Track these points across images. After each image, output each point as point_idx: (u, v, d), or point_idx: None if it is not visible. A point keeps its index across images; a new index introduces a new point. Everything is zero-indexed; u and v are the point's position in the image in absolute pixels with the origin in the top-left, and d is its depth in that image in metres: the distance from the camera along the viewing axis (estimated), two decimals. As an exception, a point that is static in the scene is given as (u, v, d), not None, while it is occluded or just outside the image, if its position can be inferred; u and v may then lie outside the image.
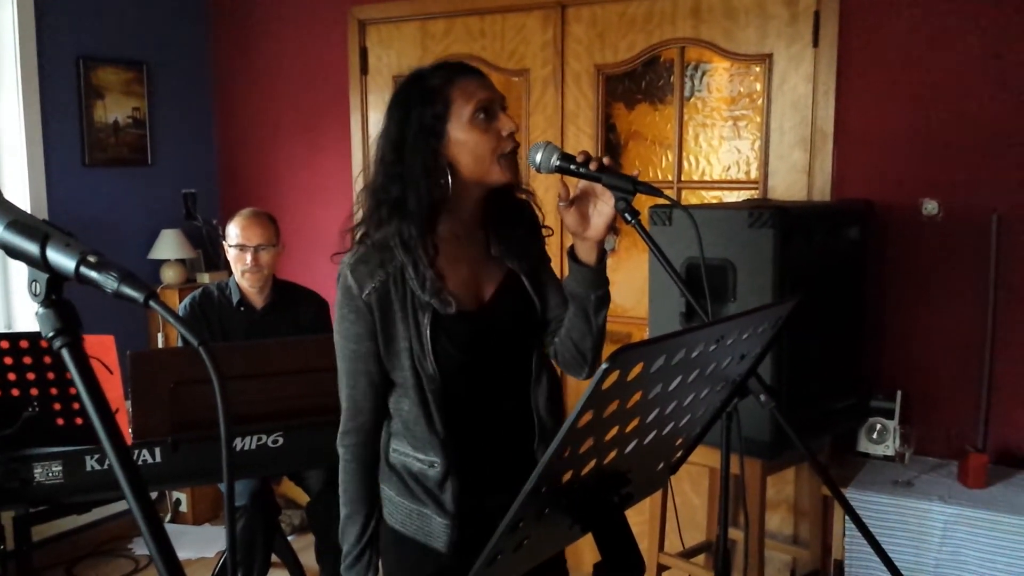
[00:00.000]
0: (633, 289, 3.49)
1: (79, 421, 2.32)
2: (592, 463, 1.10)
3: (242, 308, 3.09)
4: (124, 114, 4.19)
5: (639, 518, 2.88)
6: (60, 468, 2.33)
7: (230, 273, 3.15)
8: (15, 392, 2.28)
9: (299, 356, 2.46)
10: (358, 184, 1.69)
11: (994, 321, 2.86)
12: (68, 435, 2.33)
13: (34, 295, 0.84)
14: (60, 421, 2.32)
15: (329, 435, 1.71)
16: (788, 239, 2.53)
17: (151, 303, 0.83)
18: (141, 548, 3.97)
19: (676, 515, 2.75)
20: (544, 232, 1.76)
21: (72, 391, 2.28)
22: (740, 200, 3.17)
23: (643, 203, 1.94)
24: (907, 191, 2.96)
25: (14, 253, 0.85)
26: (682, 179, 3.43)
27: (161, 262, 4.25)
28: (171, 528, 4.15)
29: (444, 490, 1.59)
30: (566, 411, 1.76)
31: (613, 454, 1.12)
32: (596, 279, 1.61)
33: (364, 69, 4.09)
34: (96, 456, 2.35)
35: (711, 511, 3.24)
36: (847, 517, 2.24)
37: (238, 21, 4.46)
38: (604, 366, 0.92)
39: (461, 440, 1.61)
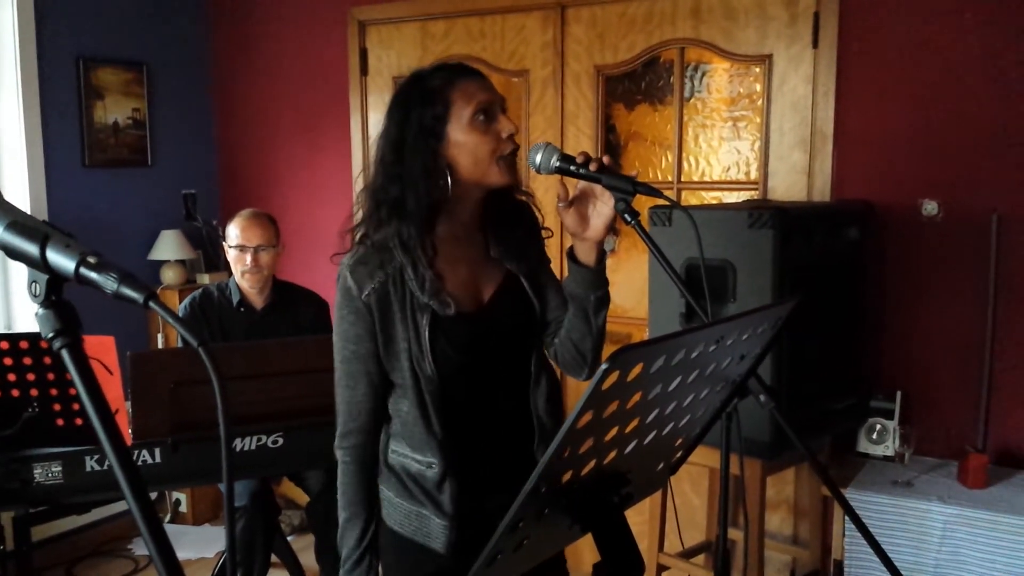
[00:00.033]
0: (633, 290, 3.49)
1: (79, 422, 2.32)
2: (592, 463, 1.10)
3: (242, 309, 3.09)
4: (124, 115, 4.19)
5: (639, 518, 2.88)
6: (60, 468, 2.33)
7: (230, 274, 3.15)
8: (15, 393, 2.28)
9: (299, 356, 2.46)
10: (358, 185, 1.69)
11: (994, 321, 2.86)
12: (68, 436, 2.33)
13: (34, 296, 0.84)
14: (60, 422, 2.32)
15: (329, 436, 1.70)
16: (788, 240, 2.53)
17: (151, 304, 0.83)
18: (141, 548, 3.97)
19: (676, 515, 2.75)
20: (544, 234, 1.76)
21: (72, 392, 2.28)
22: (740, 201, 3.17)
23: (643, 204, 1.94)
24: (907, 191, 2.96)
25: (14, 254, 0.85)
26: (682, 180, 3.44)
27: (161, 263, 4.25)
28: (171, 528, 4.15)
29: (442, 491, 1.59)
30: (565, 412, 1.76)
31: (613, 454, 1.12)
32: (596, 280, 1.61)
33: (364, 70, 4.09)
34: (96, 456, 2.35)
35: (711, 511, 3.24)
36: (847, 517, 2.24)
37: (238, 22, 4.46)
38: (604, 366, 0.92)
39: (459, 441, 1.61)
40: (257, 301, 3.12)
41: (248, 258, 3.02)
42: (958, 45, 2.86)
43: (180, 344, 3.39)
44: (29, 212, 0.94)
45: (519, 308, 1.68)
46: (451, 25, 3.84)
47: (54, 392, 2.30)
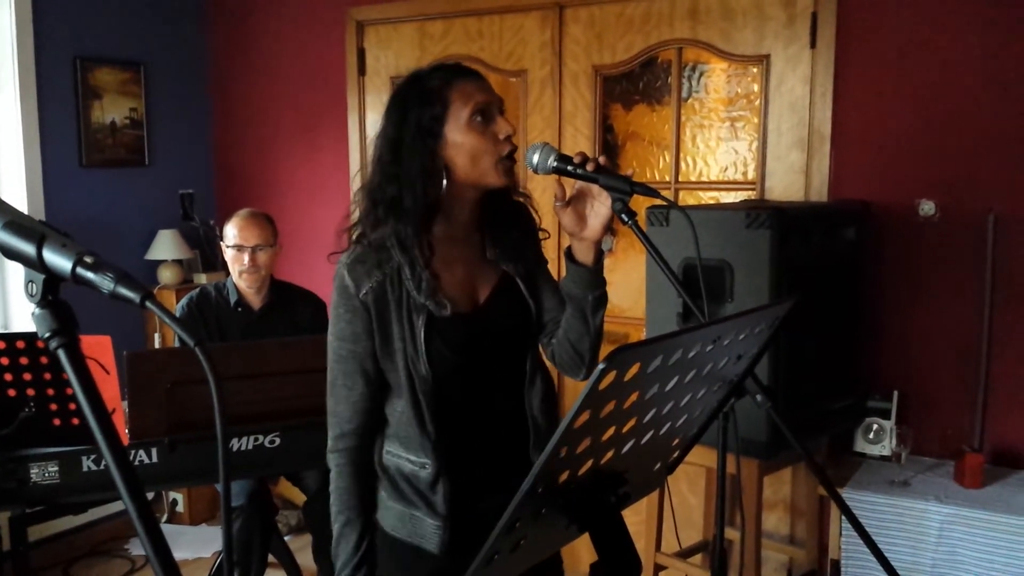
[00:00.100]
0: (630, 290, 3.49)
1: (75, 421, 2.32)
2: (589, 463, 1.10)
3: (240, 309, 3.09)
4: (121, 115, 4.18)
5: (636, 518, 2.88)
6: (56, 468, 2.33)
7: (227, 274, 3.15)
8: (11, 392, 2.28)
9: (296, 356, 2.46)
10: (355, 184, 1.69)
11: (991, 321, 2.86)
12: (64, 435, 2.32)
13: (30, 296, 0.84)
14: (57, 421, 2.32)
15: (326, 436, 1.70)
16: (785, 240, 2.53)
17: (147, 304, 0.83)
18: (137, 548, 3.96)
19: (673, 515, 2.74)
20: (541, 235, 1.76)
21: (69, 391, 2.28)
22: (737, 201, 3.17)
23: (640, 204, 1.95)
24: (904, 192, 2.97)
25: (10, 254, 0.85)
26: (679, 180, 3.44)
27: (158, 263, 4.25)
28: (167, 528, 4.15)
29: (435, 492, 1.59)
30: (560, 413, 1.76)
31: (610, 454, 1.12)
32: (593, 280, 1.61)
33: (362, 70, 4.09)
34: (92, 456, 2.35)
35: (708, 511, 3.24)
36: (844, 517, 2.24)
37: (236, 22, 4.45)
38: (601, 366, 0.92)
39: (453, 441, 1.61)
40: (255, 301, 3.11)
41: (246, 258, 3.02)
42: (955, 46, 2.87)
43: (177, 344, 3.39)
44: (26, 212, 0.94)
45: (515, 309, 1.68)
46: (449, 25, 3.84)
47: (51, 392, 2.30)
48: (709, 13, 3.27)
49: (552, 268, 1.84)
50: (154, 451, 2.39)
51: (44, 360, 2.27)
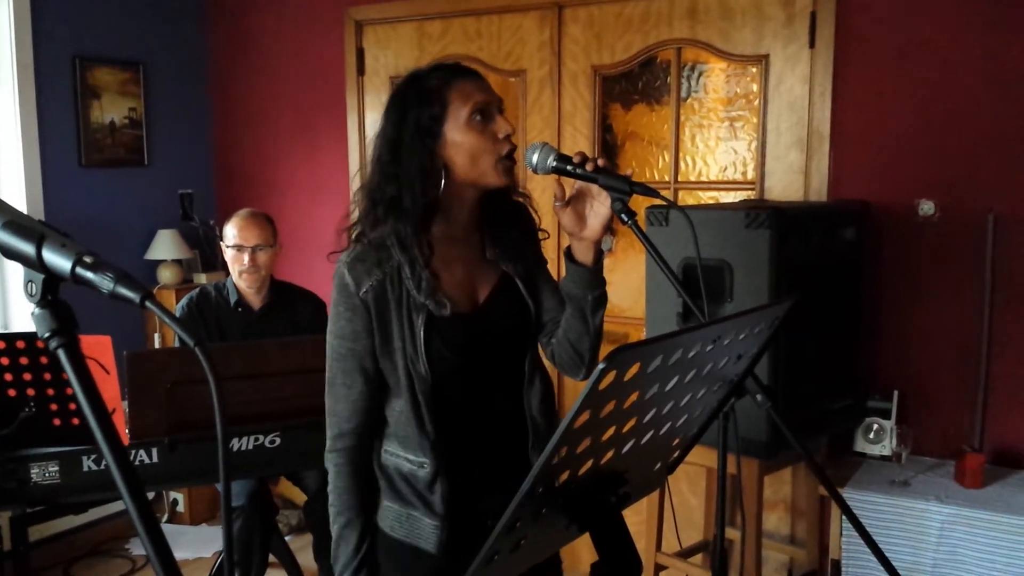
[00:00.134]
0: (630, 289, 3.49)
1: (76, 421, 2.32)
2: (589, 463, 1.10)
3: (240, 309, 3.08)
4: (120, 114, 4.18)
5: (636, 518, 2.88)
6: (57, 468, 2.33)
7: (227, 273, 3.15)
8: (12, 392, 2.28)
9: (296, 356, 2.46)
10: (354, 184, 1.69)
11: (991, 321, 2.86)
12: (65, 435, 2.32)
13: (30, 295, 0.84)
14: (57, 421, 2.32)
15: (325, 436, 1.70)
16: (784, 240, 2.53)
17: (147, 303, 0.83)
18: (138, 548, 3.97)
19: (673, 515, 2.74)
20: (540, 235, 1.76)
21: (69, 391, 2.28)
22: (737, 201, 3.17)
23: (640, 204, 1.95)
24: (903, 191, 2.97)
25: (10, 254, 0.85)
26: (679, 180, 3.44)
27: (158, 262, 4.24)
28: (168, 528, 4.15)
29: (433, 491, 1.59)
30: (559, 413, 1.76)
31: (610, 454, 1.12)
32: (593, 279, 1.61)
33: (361, 70, 4.09)
34: (93, 456, 2.35)
35: (708, 511, 3.24)
36: (844, 517, 2.24)
37: (235, 21, 4.45)
38: (601, 366, 0.92)
39: (452, 441, 1.60)
40: (255, 301, 3.11)
41: (246, 258, 3.02)
42: (955, 45, 2.87)
43: (177, 344, 3.39)
44: (25, 212, 0.94)
45: (514, 309, 1.68)
46: (448, 25, 3.84)
47: (51, 392, 2.30)
48: (708, 13, 3.27)
49: (552, 268, 1.83)
50: (154, 451, 2.39)
51: (44, 360, 2.27)
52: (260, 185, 4.49)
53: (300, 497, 3.52)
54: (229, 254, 3.06)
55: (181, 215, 4.45)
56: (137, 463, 2.35)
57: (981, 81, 2.84)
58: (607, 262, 3.39)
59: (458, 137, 1.54)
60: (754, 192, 3.27)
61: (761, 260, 2.51)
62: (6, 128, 3.79)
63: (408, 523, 1.62)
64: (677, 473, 1.53)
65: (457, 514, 1.60)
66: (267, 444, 2.49)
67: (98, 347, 2.20)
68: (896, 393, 2.89)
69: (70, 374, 0.83)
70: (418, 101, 1.55)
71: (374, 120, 3.98)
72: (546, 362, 1.75)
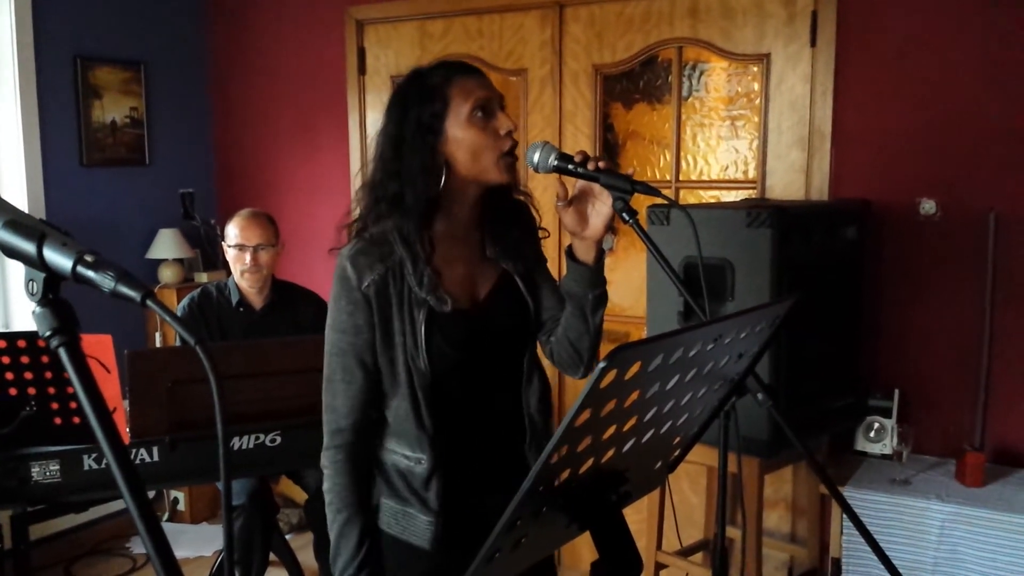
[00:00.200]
0: (631, 288, 3.49)
1: (76, 420, 2.32)
2: (590, 462, 1.10)
3: (241, 308, 3.09)
4: (122, 114, 4.18)
5: (637, 516, 2.88)
6: (58, 467, 2.33)
7: (228, 273, 3.15)
8: (13, 391, 2.28)
9: (297, 355, 2.46)
10: (356, 183, 1.69)
11: (992, 320, 2.86)
12: (66, 434, 2.32)
13: (31, 294, 0.84)
14: (58, 420, 2.32)
15: (325, 434, 1.69)
16: (786, 239, 2.53)
17: (148, 302, 0.83)
18: (139, 547, 3.97)
19: (674, 513, 2.75)
20: (541, 234, 1.77)
21: (70, 390, 2.28)
22: (738, 200, 3.17)
23: (641, 203, 1.95)
24: (905, 190, 2.97)
25: (11, 252, 0.85)
26: (680, 179, 3.44)
27: (159, 262, 4.25)
28: (169, 527, 4.15)
29: (429, 488, 1.59)
30: (558, 412, 1.76)
31: (611, 453, 1.12)
32: (594, 278, 1.61)
33: (362, 69, 4.09)
34: (94, 455, 2.35)
35: (709, 510, 3.24)
36: (845, 516, 2.24)
37: (236, 21, 4.45)
38: (602, 365, 0.92)
39: (449, 438, 1.60)
40: (256, 301, 3.11)
41: (247, 257, 3.02)
42: (956, 44, 2.87)
43: (178, 343, 3.39)
44: (27, 211, 0.94)
45: (514, 307, 1.68)
46: (449, 24, 3.84)
47: (52, 391, 2.30)
48: (709, 12, 3.27)
49: (553, 267, 1.84)
50: (155, 450, 2.39)
51: (45, 359, 2.27)
52: (261, 184, 4.49)
53: (301, 496, 3.53)
54: (231, 254, 3.06)
55: (182, 214, 4.45)
56: (138, 462, 2.36)
57: (982, 80, 2.83)
58: (608, 261, 3.39)
59: (459, 134, 1.55)
60: (755, 191, 3.27)
61: (762, 259, 2.51)
62: (7, 127, 3.80)
63: (404, 520, 1.62)
64: (678, 472, 1.53)
65: (452, 510, 1.60)
66: (268, 443, 2.49)
67: (99, 346, 2.20)
68: (897, 392, 2.89)
69: (71, 373, 0.83)
70: (420, 98, 1.56)
71: (375, 120, 3.98)
72: (544, 361, 1.75)
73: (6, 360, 2.26)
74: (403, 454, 1.61)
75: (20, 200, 3.76)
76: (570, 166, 1.53)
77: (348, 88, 4.13)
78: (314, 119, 4.29)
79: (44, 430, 2.31)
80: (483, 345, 1.63)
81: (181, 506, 4.30)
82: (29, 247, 0.83)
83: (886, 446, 2.89)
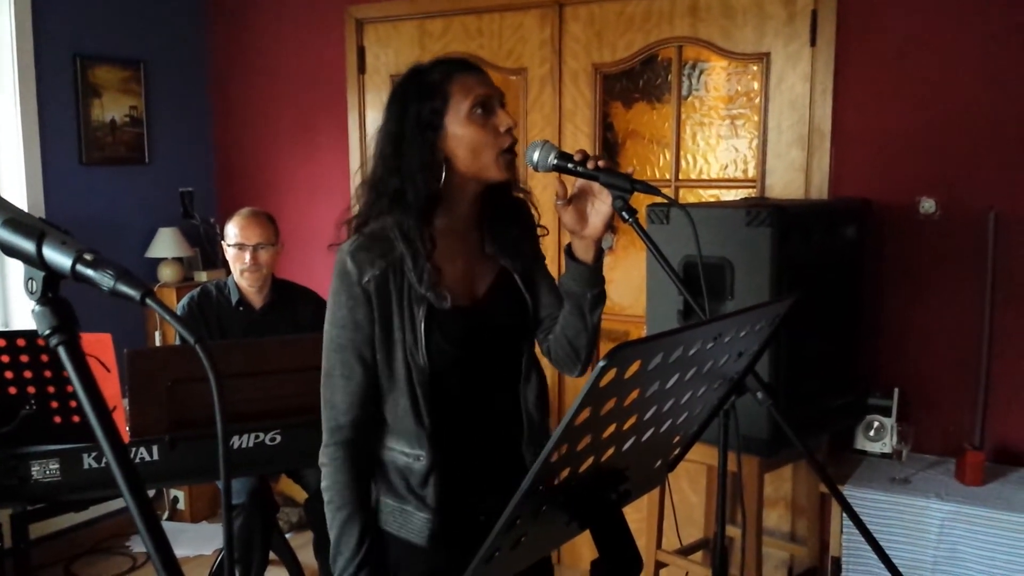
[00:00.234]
0: (631, 287, 3.49)
1: (76, 419, 2.32)
2: (590, 460, 1.10)
3: (241, 308, 3.08)
4: (121, 112, 4.18)
5: (637, 515, 2.88)
6: (57, 466, 2.33)
7: (228, 272, 3.15)
8: (12, 390, 2.28)
9: (297, 354, 2.46)
10: (356, 180, 1.69)
11: (991, 319, 2.86)
12: (65, 433, 2.32)
13: (30, 293, 0.84)
14: (57, 419, 2.32)
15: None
16: (786, 238, 2.53)
17: (148, 301, 0.83)
18: (139, 546, 3.97)
19: (674, 512, 2.75)
20: (539, 231, 1.77)
21: (69, 389, 2.28)
22: (737, 199, 3.17)
23: (641, 202, 1.94)
24: (904, 190, 2.97)
25: (10, 251, 0.85)
26: (680, 178, 3.44)
27: (158, 260, 4.25)
28: (169, 526, 4.15)
29: (427, 484, 1.59)
30: (558, 411, 1.76)
31: (611, 451, 1.12)
32: (593, 277, 1.61)
33: (362, 68, 4.09)
34: (93, 454, 2.35)
35: (709, 508, 3.24)
36: (845, 514, 2.25)
37: (235, 20, 4.45)
38: (602, 363, 0.92)
39: (448, 435, 1.60)
40: (256, 300, 3.11)
41: (247, 256, 3.02)
42: (956, 43, 2.87)
43: (178, 342, 3.39)
44: (26, 210, 0.94)
45: (513, 305, 1.68)
46: (449, 23, 3.84)
47: (51, 389, 2.30)
48: (709, 11, 3.27)
49: (552, 265, 1.84)
50: (155, 449, 2.39)
51: (45, 358, 2.27)
52: (261, 183, 4.49)
53: (301, 495, 3.53)
54: (230, 253, 3.06)
55: (182, 213, 4.45)
56: (138, 461, 2.36)
57: (982, 79, 2.83)
58: (608, 260, 3.39)
59: (459, 131, 1.55)
60: (755, 190, 3.27)
61: (762, 258, 2.51)
62: (7, 126, 3.79)
63: (401, 517, 1.62)
64: (678, 470, 1.53)
65: (449, 507, 1.60)
66: (267, 442, 2.49)
67: (99, 345, 2.20)
68: (897, 391, 2.89)
69: (71, 372, 0.83)
70: (419, 95, 1.56)
71: (375, 119, 3.98)
72: (541, 359, 1.75)
73: (5, 359, 2.25)
74: (401, 451, 1.61)
75: (19, 199, 3.75)
76: (569, 165, 1.53)
77: (348, 87, 4.13)
78: (314, 118, 4.28)
79: (44, 429, 2.31)
80: (482, 342, 1.63)
81: (181, 505, 4.30)
82: (28, 246, 0.83)
83: (886, 445, 2.89)
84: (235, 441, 2.45)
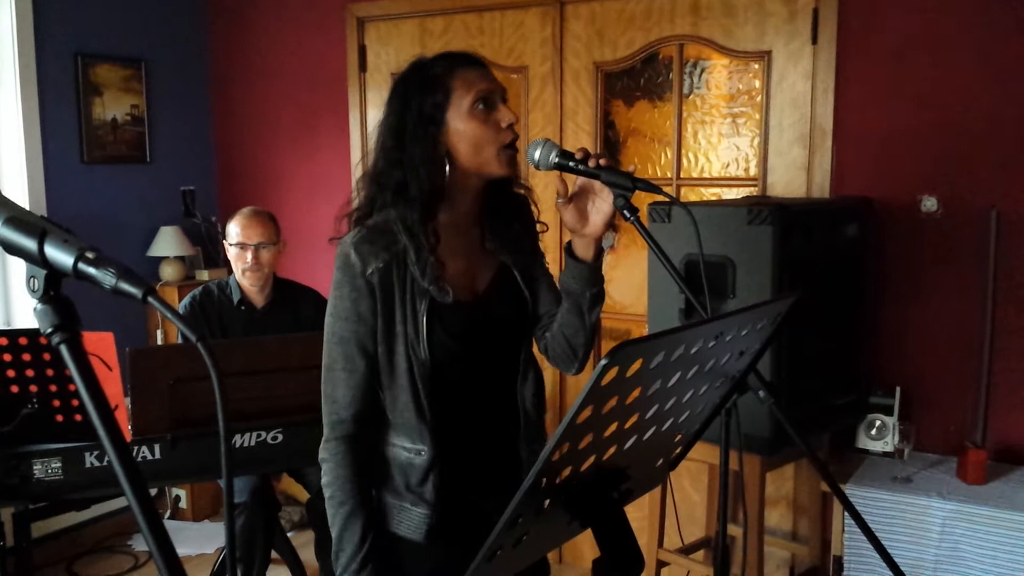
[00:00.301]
0: (632, 286, 3.49)
1: (78, 418, 2.32)
2: (592, 459, 1.10)
3: (242, 307, 3.09)
4: (123, 111, 4.18)
5: (638, 514, 2.88)
6: (59, 465, 2.33)
7: (229, 271, 3.15)
8: (14, 389, 2.28)
9: (299, 353, 2.46)
10: (357, 173, 1.69)
11: (993, 317, 2.86)
12: (67, 432, 2.33)
13: (32, 291, 0.84)
14: (59, 418, 2.32)
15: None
16: (787, 236, 2.52)
17: (149, 299, 0.83)
18: (141, 544, 3.97)
19: (675, 511, 2.75)
20: (539, 228, 1.77)
21: (71, 388, 2.28)
22: (739, 197, 3.17)
23: (642, 200, 1.94)
24: (906, 188, 2.96)
25: (12, 249, 0.85)
26: (681, 176, 3.43)
27: (160, 259, 4.25)
28: (171, 524, 4.16)
29: (427, 480, 1.59)
30: (559, 410, 1.76)
31: (612, 450, 1.12)
32: (592, 276, 1.61)
33: (363, 67, 4.09)
34: (95, 452, 2.35)
35: (710, 507, 3.24)
36: (846, 513, 2.25)
37: (236, 18, 4.45)
38: (604, 362, 0.92)
39: (448, 430, 1.60)
40: (258, 299, 3.11)
41: (249, 256, 3.02)
42: (957, 41, 2.86)
43: (180, 340, 3.39)
44: (28, 208, 0.94)
45: (512, 301, 1.68)
46: (449, 21, 3.84)
47: (53, 388, 2.30)
48: (710, 9, 3.27)
49: (553, 264, 1.83)
50: (157, 447, 2.39)
51: (47, 356, 2.27)
52: (262, 182, 4.49)
53: (302, 494, 3.53)
54: (232, 252, 3.06)
55: (183, 212, 4.45)
56: (139, 459, 2.36)
57: (983, 78, 2.83)
58: (610, 258, 3.39)
59: (460, 125, 1.55)
60: (756, 188, 3.27)
61: (763, 256, 2.51)
62: (8, 125, 3.79)
63: (399, 514, 1.62)
64: (679, 469, 1.53)
65: (447, 503, 1.60)
66: (269, 440, 2.49)
67: (101, 344, 2.20)
68: (898, 389, 2.89)
69: (72, 370, 0.83)
70: (421, 88, 1.56)
71: (376, 117, 3.96)
72: (538, 356, 1.75)
73: (7, 357, 2.26)
74: (402, 446, 1.60)
75: (21, 197, 3.75)
76: (571, 163, 1.53)
77: (349, 85, 4.13)
78: (315, 116, 4.28)
79: (46, 427, 2.32)
80: (482, 337, 1.63)
81: (183, 504, 4.30)
82: (30, 244, 0.83)
83: (887, 443, 2.89)
84: (237, 440, 2.45)
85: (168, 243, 4.23)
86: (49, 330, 0.83)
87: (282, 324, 3.05)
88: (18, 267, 3.79)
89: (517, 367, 1.69)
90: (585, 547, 3.59)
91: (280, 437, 2.50)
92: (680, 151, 3.42)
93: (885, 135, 3.00)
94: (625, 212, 1.49)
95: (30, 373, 2.28)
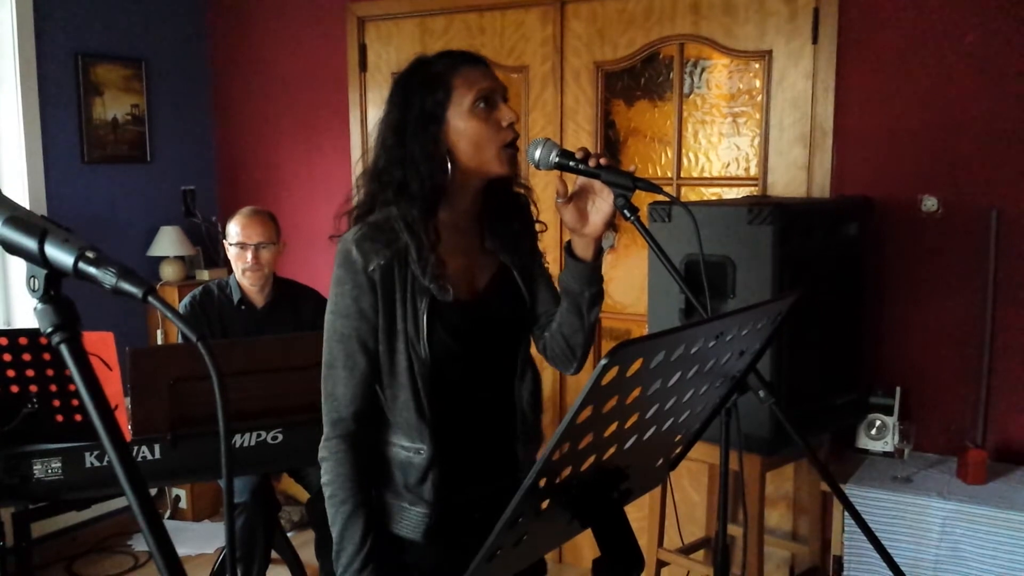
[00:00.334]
0: (632, 286, 3.48)
1: (78, 417, 2.32)
2: (592, 459, 1.10)
3: (243, 307, 3.09)
4: (123, 111, 4.18)
5: (638, 514, 2.88)
6: (59, 464, 2.33)
7: (230, 270, 3.15)
8: (14, 389, 2.28)
9: (299, 352, 2.46)
10: (357, 170, 1.69)
11: (993, 317, 2.86)
12: (67, 431, 2.33)
13: (33, 291, 0.84)
14: (59, 417, 2.32)
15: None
16: (787, 236, 2.52)
17: (150, 299, 0.83)
18: (141, 544, 3.97)
19: (675, 511, 2.75)
20: (538, 227, 1.77)
21: (71, 387, 2.28)
22: (739, 197, 3.17)
23: (642, 200, 1.94)
24: (906, 187, 2.96)
25: (12, 249, 0.85)
26: (681, 176, 3.43)
27: (160, 259, 4.25)
28: (171, 524, 4.16)
29: (426, 479, 1.59)
30: (559, 410, 1.76)
31: (612, 450, 1.12)
32: (591, 276, 1.61)
33: (363, 66, 4.09)
34: (95, 452, 2.35)
35: (710, 507, 3.24)
36: (846, 513, 2.24)
37: (236, 18, 4.45)
38: (604, 362, 0.91)
39: (446, 428, 1.60)
40: (258, 299, 3.11)
41: (249, 255, 3.02)
42: (958, 41, 2.86)
43: (180, 340, 3.39)
44: (28, 208, 0.94)
45: (511, 300, 1.68)
46: (450, 21, 3.84)
47: (53, 388, 2.30)
48: (711, 9, 3.27)
49: (553, 263, 1.83)
50: (157, 447, 2.39)
51: (47, 356, 2.27)
52: (262, 182, 4.49)
53: (303, 494, 3.53)
54: (232, 252, 3.06)
55: (183, 211, 4.45)
56: (139, 459, 2.36)
57: (984, 77, 2.83)
58: (610, 258, 3.39)
59: (461, 124, 1.55)
60: (757, 188, 3.27)
61: (764, 256, 2.51)
62: (9, 124, 3.79)
63: (399, 514, 1.62)
64: (679, 469, 1.53)
65: (445, 502, 1.60)
66: (269, 440, 2.49)
67: (101, 343, 2.20)
68: (899, 389, 2.89)
69: (73, 370, 0.83)
70: (422, 86, 1.56)
71: (376, 117, 3.97)
72: (537, 356, 1.75)
73: (7, 357, 2.26)
74: (401, 445, 1.60)
75: (21, 197, 3.75)
76: (571, 163, 1.53)
77: (349, 85, 4.13)
78: (315, 116, 4.28)
79: (46, 427, 2.32)
80: (481, 336, 1.63)
81: (183, 503, 4.30)
82: (31, 243, 0.83)
83: (888, 443, 2.89)
84: (237, 440, 2.45)
85: (168, 243, 4.23)
86: (49, 330, 0.83)
87: (282, 324, 3.05)
88: (18, 267, 3.79)
89: (515, 367, 1.69)
90: (585, 547, 3.59)
91: (280, 437, 2.50)
92: (680, 151, 3.42)
93: (886, 135, 3.00)
94: (625, 212, 1.49)
95: (30, 373, 2.28)
